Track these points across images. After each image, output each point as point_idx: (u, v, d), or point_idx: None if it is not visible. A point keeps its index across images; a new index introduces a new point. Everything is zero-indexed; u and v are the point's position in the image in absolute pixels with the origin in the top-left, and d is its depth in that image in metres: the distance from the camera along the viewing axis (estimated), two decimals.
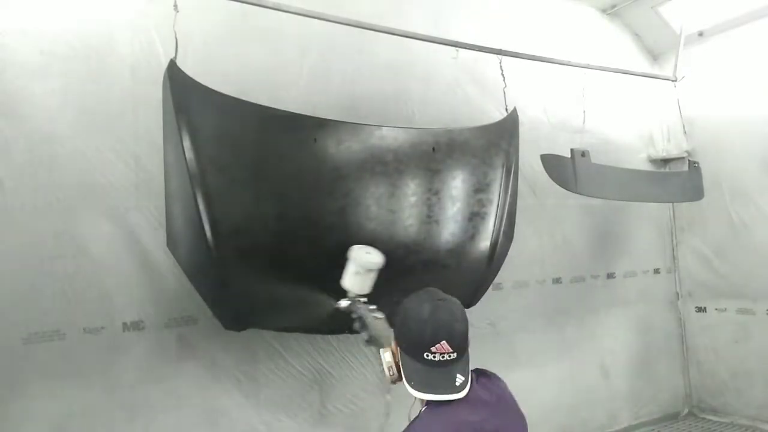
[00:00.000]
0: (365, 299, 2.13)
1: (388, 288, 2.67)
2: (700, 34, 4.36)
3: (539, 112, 3.92)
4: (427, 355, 1.52)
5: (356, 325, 2.07)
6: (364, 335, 2.02)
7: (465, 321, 1.60)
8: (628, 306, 4.34)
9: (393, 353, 1.70)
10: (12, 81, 2.33)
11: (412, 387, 1.56)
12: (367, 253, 2.18)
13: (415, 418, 1.59)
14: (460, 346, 1.55)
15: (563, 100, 3.97)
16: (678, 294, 4.65)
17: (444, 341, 1.52)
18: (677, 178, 4.18)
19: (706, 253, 4.44)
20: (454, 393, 1.52)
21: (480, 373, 1.66)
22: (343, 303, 2.14)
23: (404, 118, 3.23)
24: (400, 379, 1.65)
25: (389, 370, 1.72)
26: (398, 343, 1.63)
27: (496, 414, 1.58)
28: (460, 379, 1.53)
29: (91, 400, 2.43)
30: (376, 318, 2.03)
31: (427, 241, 2.72)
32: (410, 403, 1.64)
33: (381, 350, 1.78)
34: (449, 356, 1.53)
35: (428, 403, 1.56)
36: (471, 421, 1.53)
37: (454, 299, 1.64)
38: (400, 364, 1.61)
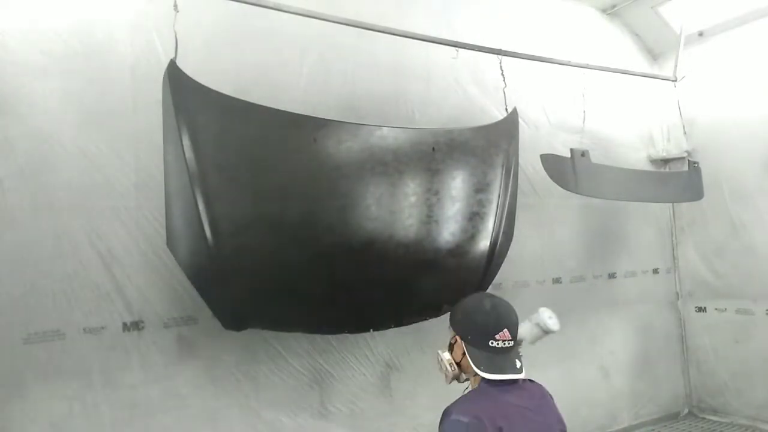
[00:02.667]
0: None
1: (388, 288, 2.69)
2: (700, 34, 4.36)
3: (539, 112, 3.92)
4: (492, 343, 1.78)
5: None
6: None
7: (516, 314, 1.89)
8: (628, 306, 4.34)
9: (453, 350, 1.95)
10: (12, 81, 2.33)
11: (482, 371, 1.77)
12: (549, 317, 2.50)
13: (462, 396, 1.81)
14: (515, 335, 1.83)
15: (563, 100, 3.97)
16: (678, 294, 4.65)
17: (505, 329, 1.80)
18: (677, 178, 4.18)
19: (706, 253, 4.44)
20: (517, 374, 1.77)
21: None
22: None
23: (404, 118, 3.24)
24: (457, 376, 1.93)
25: (450, 367, 1.94)
26: (463, 337, 1.87)
27: (539, 409, 1.79)
28: (518, 363, 1.80)
29: (91, 400, 2.43)
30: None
31: (427, 241, 2.72)
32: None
33: (439, 351, 2.03)
34: (509, 343, 1.80)
35: (480, 384, 1.80)
36: (517, 405, 1.75)
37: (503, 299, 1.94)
38: (467, 355, 1.83)
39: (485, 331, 1.81)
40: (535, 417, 1.78)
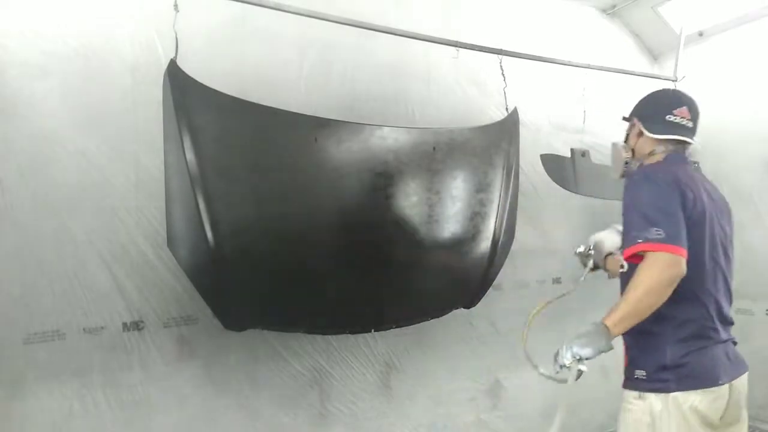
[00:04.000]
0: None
1: (389, 288, 2.69)
2: (700, 34, 4.35)
3: (539, 112, 3.92)
4: (669, 117, 1.88)
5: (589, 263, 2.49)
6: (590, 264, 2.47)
7: (697, 108, 1.98)
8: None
9: (627, 139, 2.08)
10: (12, 81, 2.33)
11: (654, 132, 1.91)
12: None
13: (646, 166, 1.96)
14: (695, 120, 1.92)
15: (563, 100, 3.97)
16: None
17: (685, 107, 1.88)
18: None
19: None
20: (690, 138, 1.92)
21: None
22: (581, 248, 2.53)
23: (404, 118, 3.23)
24: (629, 160, 2.05)
25: (624, 150, 2.06)
26: (638, 116, 2.01)
27: (715, 191, 1.95)
28: (696, 141, 1.94)
29: (91, 400, 2.43)
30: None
31: (427, 241, 2.72)
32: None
33: (612, 146, 2.16)
34: (688, 123, 1.89)
35: (665, 158, 1.93)
36: (698, 179, 1.89)
37: None
38: (643, 131, 1.96)
39: (663, 104, 1.91)
40: (714, 195, 1.90)
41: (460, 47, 3.02)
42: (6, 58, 2.32)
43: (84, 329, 2.42)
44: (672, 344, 1.82)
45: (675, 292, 1.69)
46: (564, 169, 3.35)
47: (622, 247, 1.86)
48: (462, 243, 2.80)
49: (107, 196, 2.49)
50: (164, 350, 2.60)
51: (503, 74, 3.10)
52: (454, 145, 2.81)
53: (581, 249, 2.50)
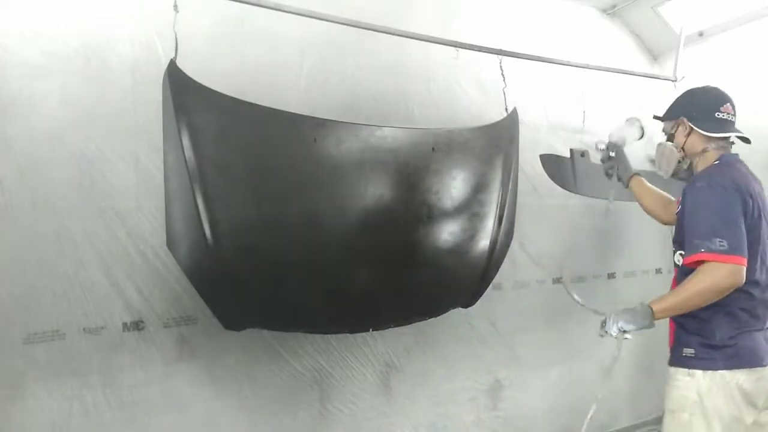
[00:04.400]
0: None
1: (388, 288, 2.69)
2: (700, 34, 4.35)
3: (539, 112, 3.92)
4: (718, 114, 2.00)
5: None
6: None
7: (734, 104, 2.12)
8: (628, 306, 4.33)
9: (674, 139, 2.14)
10: (12, 81, 2.33)
11: (707, 130, 2.01)
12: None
13: (705, 170, 2.06)
14: (736, 116, 2.06)
15: (563, 100, 3.97)
16: None
17: (728, 103, 2.02)
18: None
19: None
20: (739, 133, 2.05)
21: None
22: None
23: (404, 118, 3.23)
24: (681, 160, 2.13)
25: (676, 150, 2.13)
26: (686, 115, 2.08)
27: (761, 193, 2.05)
28: (736, 134, 2.06)
29: (91, 400, 2.43)
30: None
31: (426, 241, 2.72)
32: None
33: (659, 142, 2.22)
34: (733, 118, 2.04)
35: (720, 158, 2.05)
36: (752, 177, 2.04)
37: None
38: (695, 130, 2.03)
39: (711, 102, 2.00)
40: (760, 192, 2.00)
41: (460, 47, 3.02)
42: (6, 58, 2.32)
43: (84, 329, 2.42)
44: (720, 328, 1.96)
45: None
46: (563, 169, 3.35)
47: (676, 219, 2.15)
48: (461, 243, 2.80)
49: (107, 196, 2.49)
50: (164, 350, 2.60)
51: (503, 74, 3.10)
52: (454, 145, 2.81)
53: (602, 146, 2.73)
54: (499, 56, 3.12)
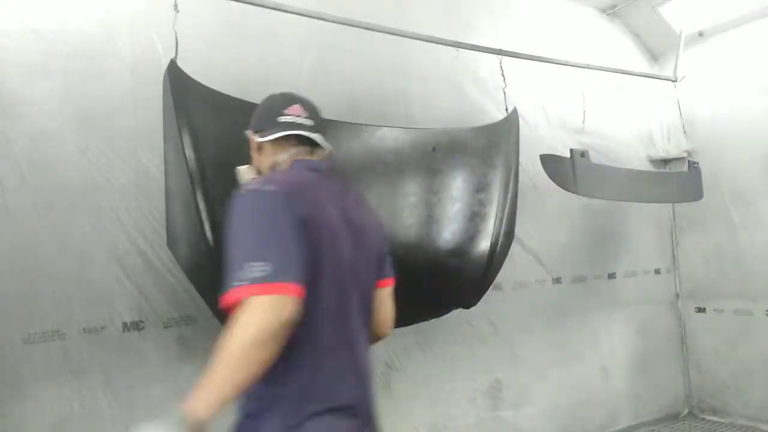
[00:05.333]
0: None
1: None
2: (700, 34, 4.36)
3: (539, 112, 3.92)
4: (280, 119, 1.50)
5: None
6: None
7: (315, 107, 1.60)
8: (628, 306, 4.34)
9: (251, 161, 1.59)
10: (12, 81, 2.33)
11: (263, 136, 1.50)
12: None
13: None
14: (316, 118, 1.55)
15: (563, 100, 3.97)
16: (678, 294, 4.65)
17: (297, 105, 1.53)
18: (677, 179, 4.18)
19: (706, 253, 4.44)
20: (311, 132, 1.49)
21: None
22: None
23: (404, 119, 3.23)
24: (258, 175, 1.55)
25: (249, 172, 1.60)
26: (254, 131, 1.56)
27: (353, 203, 1.53)
28: (320, 138, 1.52)
29: (91, 400, 2.43)
30: None
31: (427, 241, 2.72)
32: None
33: (238, 172, 1.65)
34: (306, 121, 1.51)
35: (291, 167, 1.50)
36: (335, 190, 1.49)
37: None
38: (261, 142, 1.52)
39: (271, 110, 1.54)
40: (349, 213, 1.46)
41: (460, 47, 3.02)
42: (6, 58, 2.32)
43: (84, 329, 2.42)
44: None
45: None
46: (563, 170, 3.35)
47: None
48: (461, 243, 2.79)
49: (107, 196, 2.49)
50: (164, 350, 2.59)
51: (503, 74, 3.10)
52: (454, 145, 2.81)
53: None
54: (499, 56, 3.12)
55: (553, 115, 3.98)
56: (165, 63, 2.23)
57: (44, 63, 2.38)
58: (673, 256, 4.66)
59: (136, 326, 2.53)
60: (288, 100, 1.58)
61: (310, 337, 1.31)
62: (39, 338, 2.33)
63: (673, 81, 4.12)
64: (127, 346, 2.51)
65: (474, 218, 2.81)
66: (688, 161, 4.18)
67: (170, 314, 2.60)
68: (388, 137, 2.65)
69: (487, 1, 3.85)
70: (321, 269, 1.32)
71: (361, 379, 1.42)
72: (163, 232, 2.43)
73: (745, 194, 4.13)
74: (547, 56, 3.38)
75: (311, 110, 1.58)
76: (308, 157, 1.53)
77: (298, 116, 1.53)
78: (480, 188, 2.83)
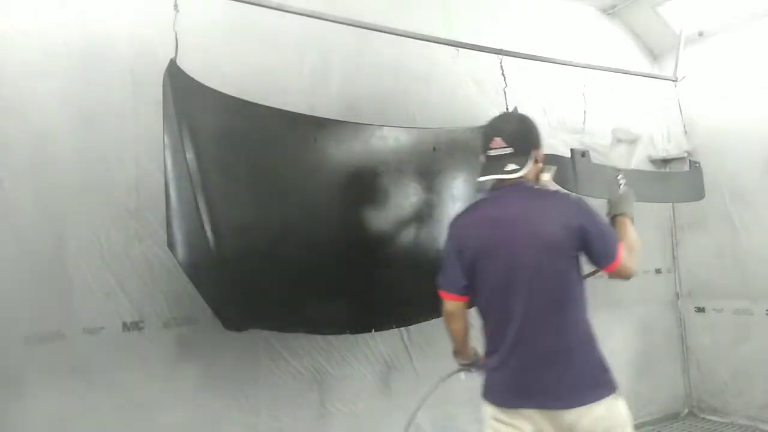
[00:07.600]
0: None
1: (389, 288, 2.69)
2: (700, 34, 4.35)
3: (539, 112, 3.91)
4: (489, 152, 1.88)
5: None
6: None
7: (519, 122, 2.01)
8: (628, 306, 4.33)
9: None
10: (12, 81, 2.33)
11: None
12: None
13: None
14: (516, 142, 1.86)
15: (563, 100, 3.97)
16: (678, 294, 4.64)
17: (497, 138, 1.86)
18: (678, 178, 4.18)
19: (706, 253, 4.43)
20: (501, 174, 1.85)
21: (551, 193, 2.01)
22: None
23: (405, 118, 3.23)
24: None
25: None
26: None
27: (522, 216, 1.88)
28: (511, 166, 1.84)
29: (91, 400, 2.42)
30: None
31: (428, 241, 2.72)
32: None
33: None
34: (504, 150, 1.85)
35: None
36: (487, 216, 1.93)
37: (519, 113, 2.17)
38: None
39: (483, 144, 1.91)
40: (503, 227, 1.87)
41: (460, 47, 3.02)
42: (6, 58, 2.32)
43: (84, 329, 2.42)
44: None
45: None
46: (564, 170, 3.35)
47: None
48: None
49: (107, 197, 2.49)
50: (164, 350, 2.59)
51: (503, 74, 3.10)
52: (455, 145, 2.81)
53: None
54: (499, 56, 3.12)
55: (554, 115, 3.97)
56: (165, 63, 2.22)
57: (44, 63, 2.38)
58: (673, 256, 4.66)
59: (136, 326, 2.53)
60: (488, 134, 1.92)
61: (483, 316, 2.13)
62: (39, 338, 2.33)
63: (673, 81, 4.12)
64: (127, 346, 2.51)
65: None
66: (690, 160, 4.17)
67: (170, 314, 2.60)
68: (389, 137, 2.65)
69: (487, 0, 3.85)
70: (476, 278, 1.99)
71: (512, 338, 2.02)
72: (163, 232, 2.42)
73: (745, 194, 4.13)
74: (548, 56, 3.38)
75: (511, 136, 1.88)
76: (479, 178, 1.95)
77: (498, 149, 1.86)
78: (481, 188, 2.83)
